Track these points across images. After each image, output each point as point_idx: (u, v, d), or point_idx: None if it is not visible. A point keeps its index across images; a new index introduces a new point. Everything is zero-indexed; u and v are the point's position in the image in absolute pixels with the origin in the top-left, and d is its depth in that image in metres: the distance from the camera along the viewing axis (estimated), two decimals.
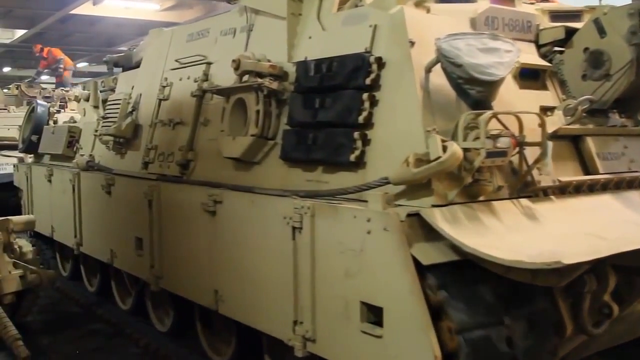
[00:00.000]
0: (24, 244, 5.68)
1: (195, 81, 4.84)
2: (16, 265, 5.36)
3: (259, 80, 3.89)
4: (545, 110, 3.59)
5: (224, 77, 4.54)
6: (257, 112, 3.95)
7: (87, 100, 7.14)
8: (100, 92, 6.99)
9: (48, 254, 7.94)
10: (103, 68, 30.78)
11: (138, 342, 5.44)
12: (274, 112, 3.94)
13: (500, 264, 2.68)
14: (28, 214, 7.55)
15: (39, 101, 7.91)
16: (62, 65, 15.25)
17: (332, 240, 3.17)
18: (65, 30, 21.69)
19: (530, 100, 3.60)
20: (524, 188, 3.24)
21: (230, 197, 3.92)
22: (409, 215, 2.89)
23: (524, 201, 3.19)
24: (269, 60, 4.03)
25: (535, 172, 3.24)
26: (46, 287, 5.85)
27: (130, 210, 5.08)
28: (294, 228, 3.36)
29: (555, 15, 4.14)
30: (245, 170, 4.10)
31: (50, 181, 6.82)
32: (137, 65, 6.93)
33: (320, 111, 3.51)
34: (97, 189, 5.61)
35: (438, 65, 3.20)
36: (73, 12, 18.63)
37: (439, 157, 2.86)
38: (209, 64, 4.82)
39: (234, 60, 4.05)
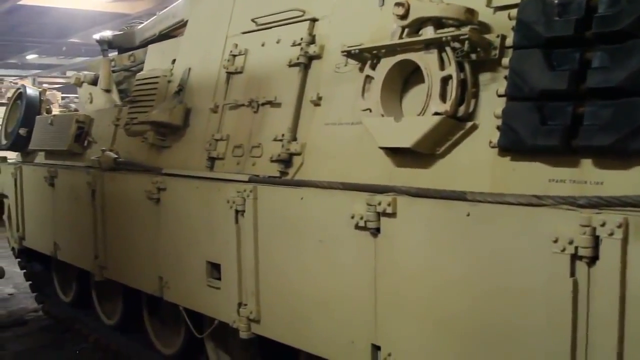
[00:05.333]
0: None
1: (295, 45, 3.49)
2: None
3: (457, 31, 2.58)
4: None
5: (345, 36, 3.24)
6: (445, 80, 2.64)
7: (92, 83, 5.64)
8: (113, 72, 5.52)
9: (37, 267, 6.43)
10: (53, 60, 29.88)
11: None
12: (470, 79, 2.64)
13: None
14: (17, 225, 5.99)
15: (27, 86, 6.31)
16: None
17: None
18: (14, 21, 20.54)
19: None
20: None
21: (416, 208, 2.57)
22: None
23: None
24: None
25: None
26: None
27: (199, 226, 3.68)
28: (573, 257, 2.06)
29: None
30: (418, 165, 2.78)
31: (52, 185, 5.29)
32: (141, 45, 5.60)
33: (593, 72, 2.22)
34: (136, 195, 4.17)
35: None
36: (21, 2, 17.71)
37: None
38: (313, 20, 3.48)
39: (399, 4, 2.73)
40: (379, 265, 2.69)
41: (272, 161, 3.43)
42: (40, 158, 5.99)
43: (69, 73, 28.87)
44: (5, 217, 6.62)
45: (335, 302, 2.89)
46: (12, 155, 6.72)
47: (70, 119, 5.32)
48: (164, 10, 5.66)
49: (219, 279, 3.56)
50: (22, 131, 5.94)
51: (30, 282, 6.59)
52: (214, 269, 3.61)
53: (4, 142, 6.30)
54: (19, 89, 6.33)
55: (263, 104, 3.60)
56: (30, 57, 27.93)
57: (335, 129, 3.19)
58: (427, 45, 2.70)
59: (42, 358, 5.59)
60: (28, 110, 5.99)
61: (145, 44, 5.70)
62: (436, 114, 2.64)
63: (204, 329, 4.11)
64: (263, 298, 3.28)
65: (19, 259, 6.55)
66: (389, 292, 2.66)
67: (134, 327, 5.02)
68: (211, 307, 3.65)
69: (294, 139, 3.38)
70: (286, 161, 3.37)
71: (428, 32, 2.72)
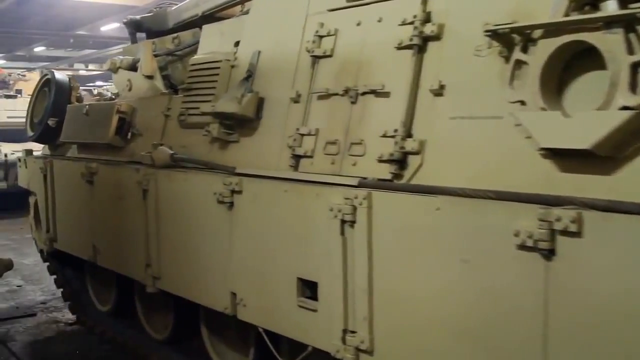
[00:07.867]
0: None
1: (405, 23, 2.96)
2: None
3: None
4: None
5: (471, 13, 2.72)
6: (636, 66, 2.13)
7: (130, 68, 5.08)
8: (155, 56, 4.96)
9: (68, 274, 5.93)
10: (61, 52, 29.94)
11: None
12: None
13: None
14: (47, 226, 5.45)
15: (55, 71, 5.73)
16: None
17: None
18: (22, 13, 20.07)
19: None
20: None
21: (609, 226, 2.05)
22: None
23: None
24: None
25: None
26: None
27: (288, 237, 3.16)
28: None
29: None
30: (592, 171, 2.26)
31: (91, 182, 4.75)
32: (178, 28, 5.06)
33: None
34: (201, 198, 3.65)
35: None
36: None
37: None
38: None
39: None
40: (552, 294, 2.19)
41: (380, 161, 2.91)
42: (72, 151, 5.44)
43: (77, 65, 28.54)
44: (31, 216, 6.08)
45: (487, 334, 2.39)
46: (37, 148, 6.17)
47: (110, 108, 4.76)
48: None
49: (315, 299, 3.06)
50: (51, 122, 5.37)
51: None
52: (307, 287, 3.11)
53: (30, 133, 5.74)
54: (46, 74, 5.75)
55: (364, 93, 3.08)
56: (38, 49, 27.90)
57: (465, 124, 2.67)
58: (609, 23, 2.18)
59: (50, 349, 5.60)
60: (57, 98, 5.42)
61: (182, 26, 5.16)
62: (624, 108, 2.13)
63: (279, 347, 3.61)
64: (378, 325, 2.78)
65: (47, 263, 6.03)
66: (566, 327, 2.17)
67: (188, 342, 4.51)
68: (303, 332, 3.14)
69: (409, 135, 2.85)
70: (400, 161, 2.85)
71: (609, 7, 2.20)
